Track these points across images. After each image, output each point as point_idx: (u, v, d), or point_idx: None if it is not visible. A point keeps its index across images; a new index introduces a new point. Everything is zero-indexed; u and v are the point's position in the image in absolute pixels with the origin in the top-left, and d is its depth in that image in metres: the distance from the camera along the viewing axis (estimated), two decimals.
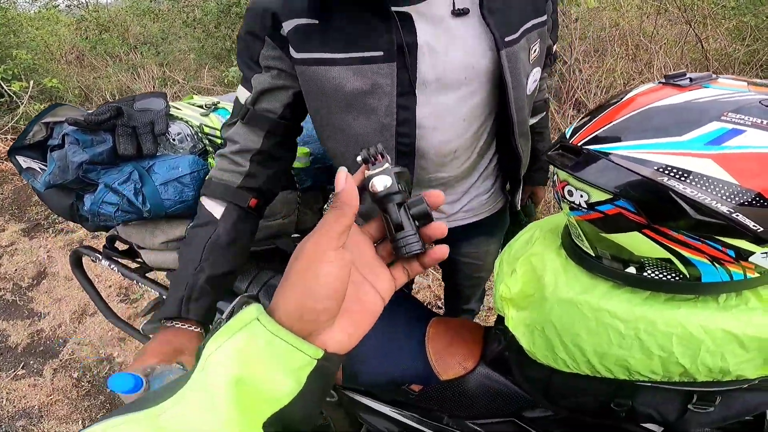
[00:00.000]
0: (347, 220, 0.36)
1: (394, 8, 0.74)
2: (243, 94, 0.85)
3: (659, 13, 3.67)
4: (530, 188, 1.26)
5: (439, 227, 0.40)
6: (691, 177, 0.49)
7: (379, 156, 0.39)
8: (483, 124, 0.89)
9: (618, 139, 0.52)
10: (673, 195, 0.49)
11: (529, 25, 0.84)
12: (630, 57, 3.24)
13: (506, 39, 0.80)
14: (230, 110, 0.97)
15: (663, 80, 0.58)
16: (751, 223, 0.49)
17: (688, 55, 3.29)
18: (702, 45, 3.04)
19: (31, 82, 4.55)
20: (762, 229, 0.49)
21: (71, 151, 0.84)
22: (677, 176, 0.49)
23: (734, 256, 0.52)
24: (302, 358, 0.36)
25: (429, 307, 2.23)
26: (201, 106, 1.00)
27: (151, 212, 0.88)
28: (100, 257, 1.09)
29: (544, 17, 0.88)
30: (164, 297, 1.10)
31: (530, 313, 0.70)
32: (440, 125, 0.84)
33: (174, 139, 0.89)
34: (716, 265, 0.54)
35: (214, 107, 0.99)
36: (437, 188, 0.94)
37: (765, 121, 0.49)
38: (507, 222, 1.16)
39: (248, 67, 0.83)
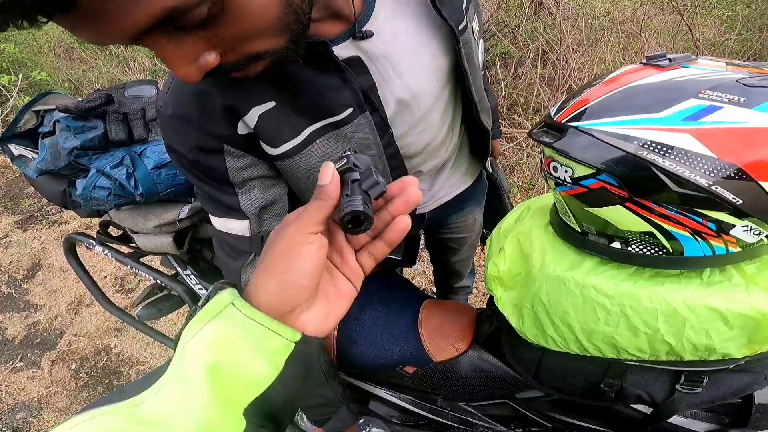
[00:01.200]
0: (328, 210, 0.39)
1: (340, 54, 0.64)
2: (236, 226, 0.70)
3: (651, 2, 3.67)
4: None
5: (405, 201, 0.41)
6: (670, 151, 0.50)
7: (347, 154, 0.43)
8: (455, 110, 0.88)
9: (600, 116, 0.54)
10: (653, 169, 0.51)
11: (465, 2, 0.76)
12: (622, 46, 3.25)
13: (459, 27, 0.74)
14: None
15: (644, 61, 0.59)
16: (730, 196, 0.50)
17: (680, 44, 3.30)
18: (692, 34, 3.05)
19: (20, 76, 4.50)
20: (741, 201, 0.50)
21: (62, 137, 0.84)
22: (657, 150, 0.50)
23: (715, 229, 0.54)
24: (279, 341, 0.36)
25: (425, 292, 2.25)
26: None
27: (143, 196, 0.89)
28: (94, 243, 1.09)
29: None
30: (158, 281, 1.11)
31: (518, 292, 0.71)
32: (421, 132, 0.82)
33: None
34: (698, 238, 0.55)
35: None
36: (427, 177, 0.96)
37: (742, 99, 0.50)
38: (486, 185, 1.18)
39: (219, 190, 0.68)
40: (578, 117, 0.55)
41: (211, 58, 0.45)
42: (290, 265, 0.37)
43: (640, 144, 0.51)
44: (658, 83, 0.54)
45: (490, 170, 1.13)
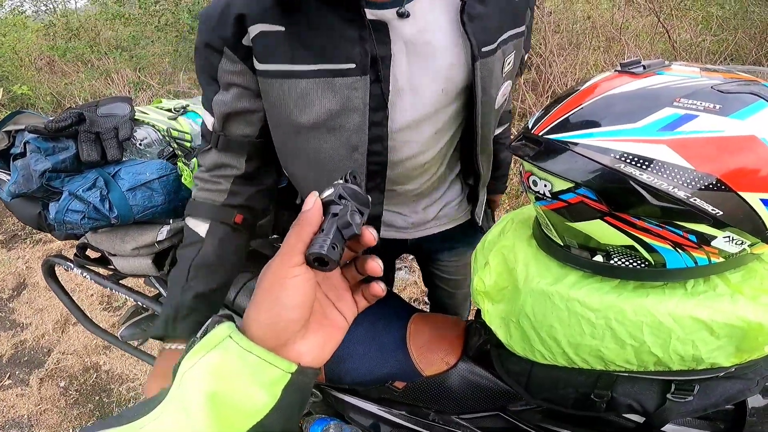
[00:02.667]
0: (307, 237, 0.39)
1: (369, 15, 0.68)
2: (208, 119, 0.78)
3: (629, 4, 3.71)
4: (490, 196, 1.18)
5: (367, 238, 0.41)
6: (648, 164, 0.49)
7: (347, 179, 0.44)
8: (452, 137, 0.85)
9: (576, 128, 0.53)
10: (631, 182, 0.50)
11: (506, 35, 0.78)
12: (603, 49, 3.28)
13: (483, 49, 0.75)
14: (200, 113, 0.95)
15: (618, 68, 0.59)
16: (709, 207, 0.49)
17: (658, 46, 3.35)
18: (669, 36, 3.10)
19: (1, 90, 4.43)
20: (721, 212, 0.49)
21: (33, 159, 0.82)
22: (634, 163, 0.50)
23: (696, 241, 0.53)
24: (275, 372, 0.37)
25: (415, 303, 2.24)
26: (169, 110, 0.98)
27: (119, 218, 0.87)
28: (72, 266, 1.07)
29: (523, 28, 0.82)
30: (139, 303, 1.09)
31: (505, 306, 0.70)
32: (412, 139, 0.80)
33: (140, 144, 0.87)
34: (679, 250, 0.54)
35: (183, 110, 0.98)
36: (407, 200, 0.93)
37: (717, 106, 0.50)
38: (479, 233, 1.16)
39: (208, 84, 0.75)
40: (555, 129, 0.55)
41: None
42: (277, 299, 0.38)
43: (617, 156, 0.51)
44: (633, 92, 0.53)
45: (479, 222, 1.04)
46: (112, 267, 1.05)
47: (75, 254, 1.09)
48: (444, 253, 1.12)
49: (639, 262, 0.58)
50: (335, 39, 0.68)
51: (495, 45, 0.76)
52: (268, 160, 0.83)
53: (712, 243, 0.53)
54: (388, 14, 0.69)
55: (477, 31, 0.73)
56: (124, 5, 4.81)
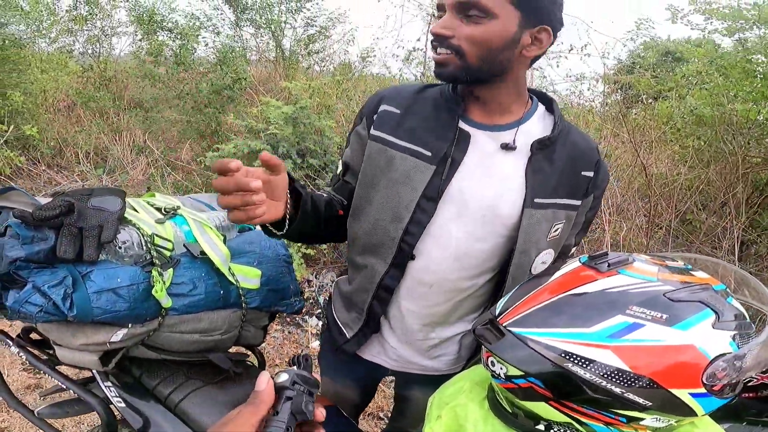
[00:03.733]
0: (260, 415, 0.46)
1: (462, 124, 0.86)
2: (339, 167, 0.99)
3: (614, 135, 4.01)
4: None
5: (318, 417, 0.50)
6: (591, 364, 0.56)
7: (298, 362, 0.53)
8: (474, 277, 0.89)
9: (536, 325, 0.60)
10: (573, 377, 0.57)
11: (561, 201, 0.86)
12: None
13: (536, 200, 0.84)
14: (187, 218, 0.99)
15: (586, 260, 0.64)
16: (640, 400, 0.56)
17: (636, 181, 3.57)
18: (646, 173, 3.31)
19: (11, 127, 4.50)
20: (651, 404, 0.56)
21: (9, 244, 0.82)
22: (579, 363, 0.56)
23: (626, 421, 0.59)
24: None
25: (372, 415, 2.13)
26: (160, 209, 1.00)
27: (76, 318, 0.84)
28: (11, 344, 1.03)
29: (579, 202, 0.89)
30: (72, 391, 1.03)
31: None
32: (431, 249, 0.87)
33: (120, 247, 0.88)
34: (611, 427, 0.60)
35: (173, 213, 0.99)
36: (405, 331, 0.96)
37: (665, 316, 0.56)
38: None
39: (347, 141, 0.98)
40: (517, 323, 0.62)
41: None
42: None
43: (565, 356, 0.57)
44: (593, 294, 0.60)
45: None
46: (51, 352, 1.01)
47: (18, 335, 1.06)
48: (421, 391, 1.06)
49: None
50: (429, 130, 0.87)
51: (548, 201, 0.85)
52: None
53: (641, 422, 0.59)
54: (479, 133, 0.86)
55: (536, 181, 0.84)
56: (159, 66, 5.03)
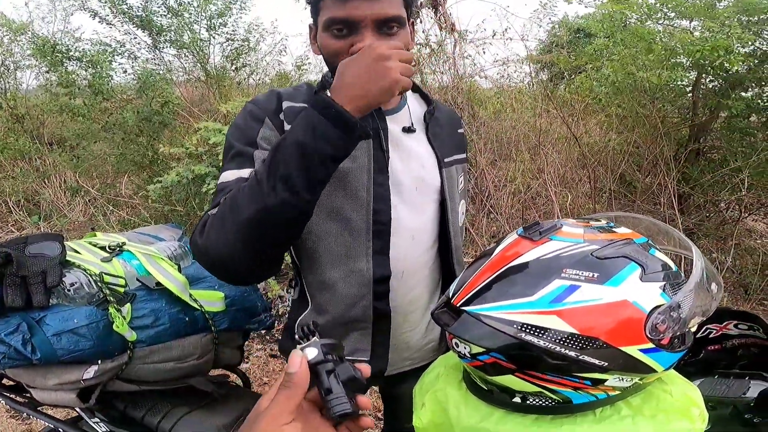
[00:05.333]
0: (298, 398, 0.42)
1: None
2: (233, 175, 0.83)
3: (548, 112, 4.23)
4: None
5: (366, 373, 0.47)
6: (543, 332, 0.59)
7: (310, 332, 0.47)
8: (428, 250, 0.95)
9: (486, 301, 0.63)
10: (531, 347, 0.59)
11: (456, 156, 1.00)
12: (530, 159, 3.67)
13: (445, 159, 0.95)
14: (135, 253, 0.96)
15: (522, 231, 0.69)
16: (596, 361, 0.58)
17: (574, 151, 3.79)
18: (578, 143, 3.54)
19: None
20: (606, 363, 0.59)
21: None
22: (532, 332, 0.59)
23: (591, 384, 0.61)
24: None
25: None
26: (104, 248, 0.98)
27: (41, 360, 0.83)
28: None
29: (464, 155, 1.04)
30: (59, 429, 1.04)
31: None
32: (393, 238, 0.89)
33: (69, 290, 0.86)
34: (580, 391, 0.62)
35: (120, 250, 0.98)
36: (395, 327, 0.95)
37: (595, 275, 0.60)
38: None
39: (240, 150, 0.85)
40: (469, 301, 0.64)
41: None
42: None
43: (519, 327, 0.60)
44: (530, 262, 0.64)
45: None
46: (28, 395, 0.99)
47: None
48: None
49: (550, 401, 0.65)
50: None
51: (451, 159, 0.97)
52: None
53: (606, 383, 0.62)
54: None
55: (439, 145, 0.95)
56: (75, 98, 4.68)
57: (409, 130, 0.93)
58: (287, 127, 0.86)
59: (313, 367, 0.44)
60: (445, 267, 1.01)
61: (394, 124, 0.92)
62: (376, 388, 2.19)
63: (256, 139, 0.86)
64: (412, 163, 0.92)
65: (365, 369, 0.48)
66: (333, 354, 0.45)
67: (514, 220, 3.27)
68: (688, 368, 0.97)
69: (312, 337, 0.46)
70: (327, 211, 0.87)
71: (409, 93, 0.98)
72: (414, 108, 0.96)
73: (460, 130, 1.06)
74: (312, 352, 0.44)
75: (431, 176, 0.93)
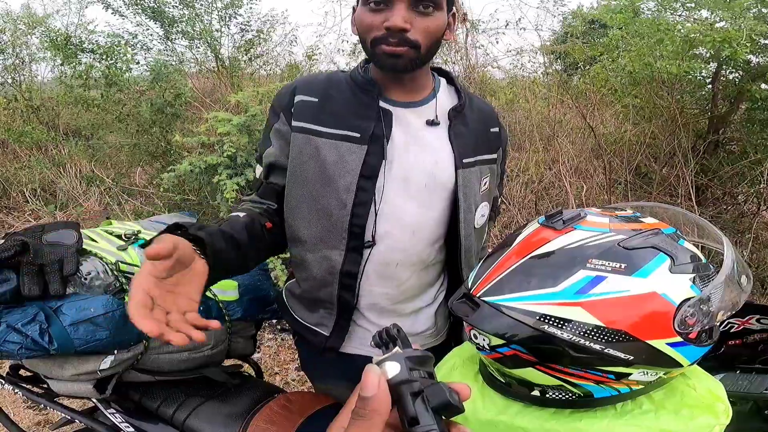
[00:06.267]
0: (378, 428, 0.32)
1: (381, 103, 0.89)
2: (258, 170, 0.97)
3: (562, 102, 4.17)
4: None
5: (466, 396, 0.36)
6: (566, 324, 0.56)
7: (390, 339, 0.37)
8: (430, 246, 0.94)
9: (506, 291, 0.61)
10: (553, 339, 0.57)
11: (482, 157, 0.97)
12: (543, 149, 3.62)
13: (464, 160, 0.92)
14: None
15: (543, 220, 0.67)
16: (621, 355, 0.56)
17: (588, 142, 3.73)
18: (594, 134, 3.47)
19: None
20: (632, 357, 0.57)
21: None
22: (555, 324, 0.57)
23: (615, 378, 0.59)
24: None
25: None
26: (120, 236, 0.98)
27: (58, 351, 0.83)
28: (3, 382, 1.04)
29: (495, 156, 1.01)
30: (77, 421, 1.05)
31: None
32: (390, 230, 0.90)
33: (85, 278, 0.86)
34: (602, 385, 0.60)
35: (134, 238, 0.98)
36: (381, 310, 0.96)
37: (623, 265, 0.58)
38: None
39: (263, 142, 0.96)
40: (489, 292, 0.62)
41: None
42: None
43: (541, 318, 0.57)
44: (554, 252, 0.61)
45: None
46: (45, 386, 1.00)
47: (7, 372, 1.05)
48: None
49: (570, 395, 0.63)
50: (352, 114, 0.89)
51: (474, 159, 0.95)
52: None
53: (629, 377, 0.60)
54: (401, 111, 0.91)
55: (460, 144, 0.93)
56: (89, 90, 4.74)
57: (432, 123, 0.92)
58: (295, 123, 0.90)
59: (395, 387, 0.34)
60: (452, 267, 0.99)
61: (416, 117, 0.92)
62: None
63: (269, 134, 0.95)
64: (427, 159, 0.91)
65: (463, 391, 0.36)
66: (421, 370, 0.35)
67: (527, 210, 3.23)
68: (707, 363, 0.95)
69: (393, 347, 0.36)
70: (314, 202, 0.90)
71: (442, 85, 0.98)
72: (442, 101, 0.96)
73: (493, 129, 1.02)
74: (393, 368, 0.34)
75: (445, 174, 0.92)
